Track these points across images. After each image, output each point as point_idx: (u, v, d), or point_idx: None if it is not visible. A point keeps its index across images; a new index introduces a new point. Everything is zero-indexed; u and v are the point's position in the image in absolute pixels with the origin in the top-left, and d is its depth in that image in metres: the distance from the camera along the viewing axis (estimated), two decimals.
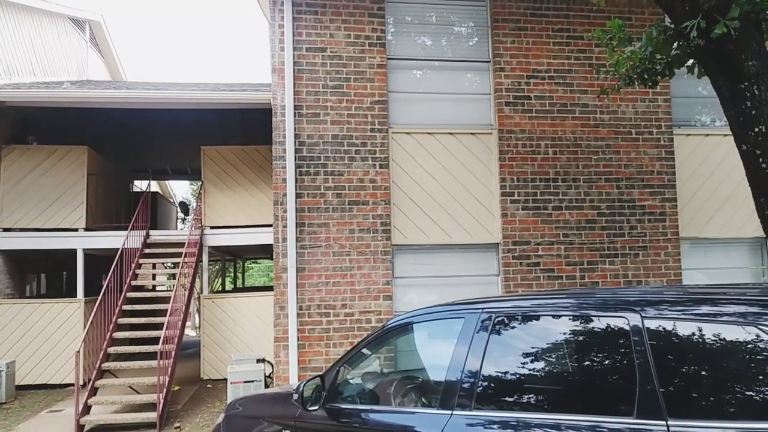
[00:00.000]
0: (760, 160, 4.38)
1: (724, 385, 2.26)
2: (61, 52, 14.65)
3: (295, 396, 3.71)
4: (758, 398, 2.17)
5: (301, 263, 7.00)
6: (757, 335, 2.21)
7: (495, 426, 2.73)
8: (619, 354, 2.49)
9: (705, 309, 2.40)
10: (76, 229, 11.42)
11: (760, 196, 4.46)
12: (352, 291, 7.04)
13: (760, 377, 2.19)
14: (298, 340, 6.93)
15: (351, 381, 3.72)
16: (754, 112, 4.39)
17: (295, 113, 7.10)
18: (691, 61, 5.25)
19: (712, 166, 7.88)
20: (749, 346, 2.23)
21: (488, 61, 7.69)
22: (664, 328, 2.43)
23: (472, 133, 7.52)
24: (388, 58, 7.48)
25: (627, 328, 2.49)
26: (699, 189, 7.87)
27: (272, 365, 7.63)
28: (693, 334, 2.36)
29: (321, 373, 3.76)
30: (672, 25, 4.87)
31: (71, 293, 12.07)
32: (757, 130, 4.37)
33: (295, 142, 7.06)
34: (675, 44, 5.14)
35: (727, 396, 2.24)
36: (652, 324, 2.44)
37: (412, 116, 7.52)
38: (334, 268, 7.06)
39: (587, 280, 7.37)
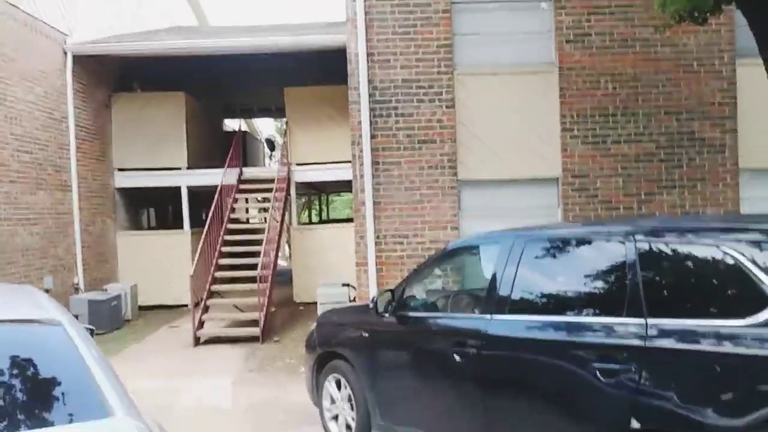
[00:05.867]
0: None
1: (694, 293, 2.96)
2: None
3: (371, 305, 4.63)
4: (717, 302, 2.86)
5: (377, 198, 7.86)
6: (720, 254, 2.86)
7: (522, 325, 3.53)
8: (615, 269, 3.20)
9: (685, 236, 3.07)
10: (179, 168, 12.74)
11: None
12: (423, 222, 7.86)
13: (722, 286, 2.88)
14: (376, 265, 7.88)
15: (415, 294, 4.60)
16: None
17: (368, 60, 7.78)
18: None
19: None
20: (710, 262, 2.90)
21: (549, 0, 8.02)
22: (651, 249, 3.10)
23: (533, 72, 7.98)
24: (452, 2, 7.94)
25: (622, 250, 3.17)
26: (763, 118, 7.97)
27: (355, 289, 8.68)
28: (669, 253, 3.04)
29: (392, 287, 4.66)
30: None
31: (177, 225, 13.50)
32: None
33: (368, 87, 7.79)
34: None
35: (695, 300, 2.94)
36: (641, 246, 3.11)
37: (475, 58, 8.02)
38: (407, 202, 7.87)
39: (644, 210, 7.82)
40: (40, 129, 10.33)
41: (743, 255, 2.76)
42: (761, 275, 2.67)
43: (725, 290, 2.93)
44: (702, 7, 5.59)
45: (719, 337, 2.69)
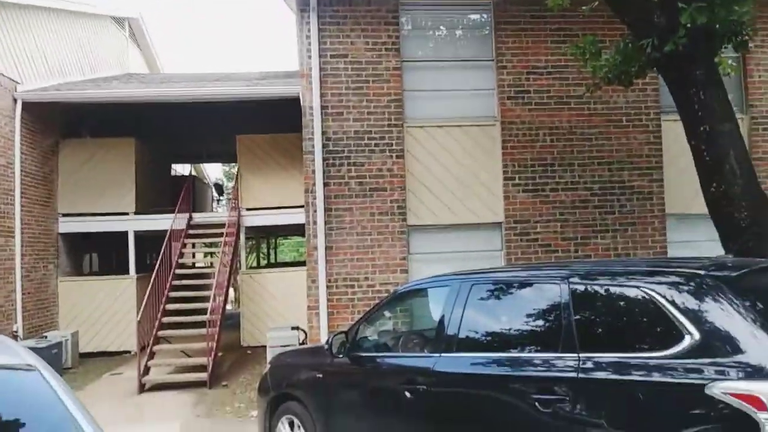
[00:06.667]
0: (705, 154, 5.30)
1: (620, 329, 3.31)
2: (105, 48, 15.85)
3: (326, 347, 4.83)
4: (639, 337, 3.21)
5: (329, 243, 8.09)
6: (641, 295, 3.22)
7: (468, 362, 3.80)
8: (552, 309, 3.54)
9: (611, 279, 3.43)
10: (126, 213, 12.68)
11: (704, 182, 5.39)
12: (373, 266, 8.12)
13: (643, 322, 3.24)
14: (327, 309, 8.06)
15: (368, 335, 4.82)
16: (700, 113, 5.29)
17: (322, 113, 8.14)
18: None
19: None
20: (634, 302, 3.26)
21: (492, 60, 8.60)
22: (582, 291, 3.45)
23: (477, 125, 8.49)
24: (402, 61, 8.43)
25: (558, 292, 3.51)
26: (686, 169, 8.65)
27: (305, 332, 8.79)
28: (599, 293, 3.40)
29: (345, 329, 4.87)
30: None
31: (122, 270, 13.31)
32: (702, 128, 5.28)
33: (322, 138, 8.12)
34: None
35: (621, 336, 3.28)
36: (574, 288, 3.46)
37: (424, 112, 8.49)
38: (358, 247, 8.14)
39: (581, 253, 8.32)
40: None
41: (662, 296, 3.13)
42: (676, 313, 3.04)
43: (647, 327, 3.29)
44: (628, 71, 6.19)
45: (641, 368, 3.02)
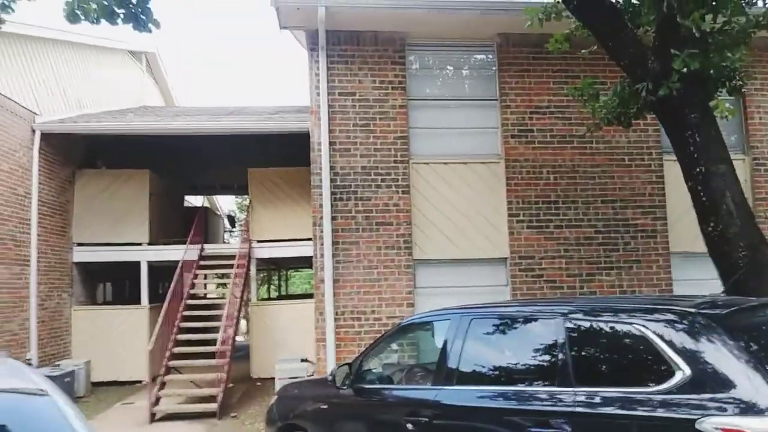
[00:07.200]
0: (701, 194, 5.44)
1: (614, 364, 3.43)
2: (122, 81, 16.33)
3: (330, 378, 4.96)
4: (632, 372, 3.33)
5: (336, 276, 8.26)
6: (634, 331, 3.35)
7: (469, 396, 3.92)
8: (548, 344, 3.67)
9: (606, 316, 3.56)
10: (140, 244, 12.91)
11: (702, 223, 5.52)
12: (380, 299, 8.27)
13: (636, 358, 3.36)
14: (335, 341, 8.17)
15: (371, 367, 4.95)
16: (696, 155, 5.45)
17: (330, 149, 8.39)
18: None
19: None
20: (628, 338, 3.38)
21: (496, 99, 8.86)
22: (578, 327, 3.59)
23: (482, 163, 8.70)
24: (408, 99, 8.72)
25: (554, 327, 3.65)
26: (689, 208, 8.77)
27: (314, 364, 8.89)
28: (595, 329, 3.53)
29: (350, 361, 5.00)
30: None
31: (133, 300, 13.50)
32: (698, 170, 5.44)
33: (330, 173, 8.35)
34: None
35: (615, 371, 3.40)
36: (570, 324, 3.60)
37: (429, 148, 8.73)
38: (365, 280, 8.30)
39: (586, 289, 8.41)
40: (3, 204, 10.49)
41: (654, 332, 3.25)
42: (667, 349, 3.16)
43: (640, 363, 3.40)
44: (626, 112, 6.40)
45: (635, 402, 3.12)
